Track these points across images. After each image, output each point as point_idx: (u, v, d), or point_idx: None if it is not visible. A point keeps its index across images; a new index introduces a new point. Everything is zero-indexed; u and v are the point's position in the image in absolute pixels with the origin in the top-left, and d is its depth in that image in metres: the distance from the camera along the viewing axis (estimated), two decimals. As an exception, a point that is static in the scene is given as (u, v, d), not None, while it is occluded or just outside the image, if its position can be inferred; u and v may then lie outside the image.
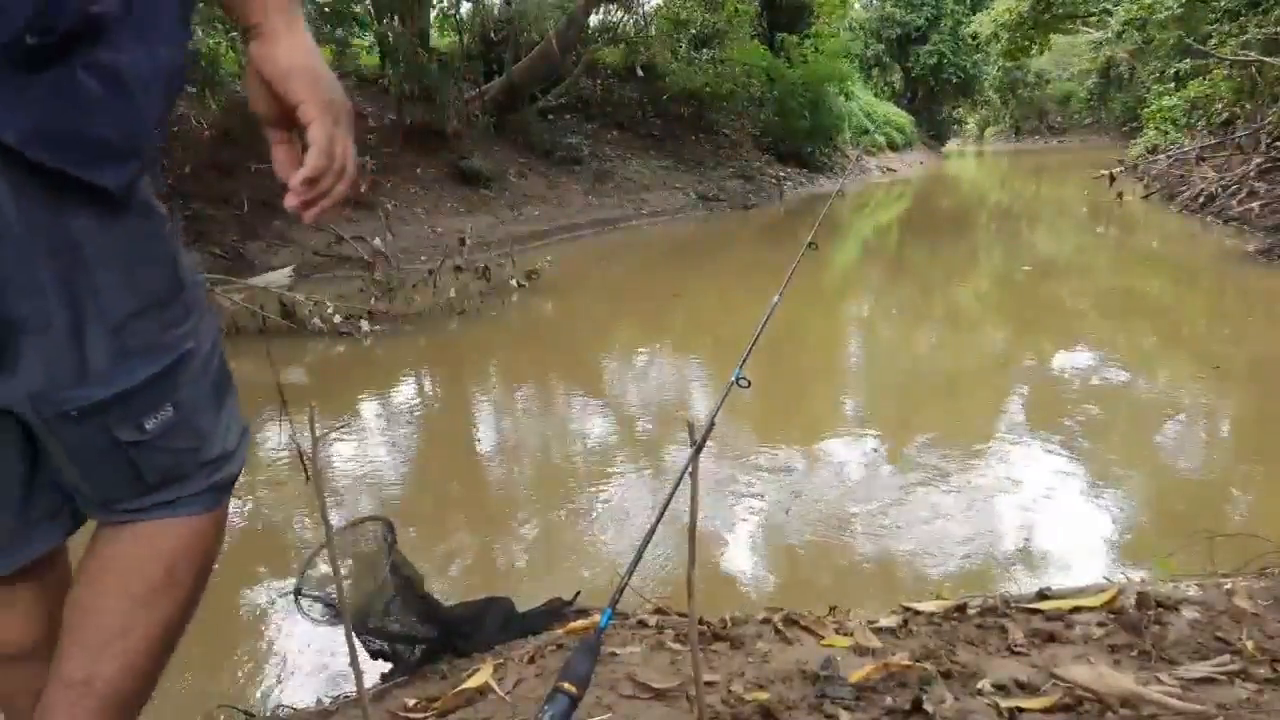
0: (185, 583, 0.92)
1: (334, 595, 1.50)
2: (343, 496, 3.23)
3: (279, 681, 2.10)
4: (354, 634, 1.59)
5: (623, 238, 11.30)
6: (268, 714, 1.74)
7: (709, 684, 1.31)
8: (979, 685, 1.25)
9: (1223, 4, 12.99)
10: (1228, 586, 1.53)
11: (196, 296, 0.90)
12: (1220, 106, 12.99)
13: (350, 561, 1.60)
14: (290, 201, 0.82)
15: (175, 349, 0.85)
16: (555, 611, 1.81)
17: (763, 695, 1.27)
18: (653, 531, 1.23)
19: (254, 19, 0.83)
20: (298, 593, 1.53)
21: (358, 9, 10.14)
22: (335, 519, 3.00)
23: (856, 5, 27.98)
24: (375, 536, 1.64)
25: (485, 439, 4.11)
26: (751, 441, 3.62)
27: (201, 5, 6.97)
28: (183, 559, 0.92)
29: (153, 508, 0.90)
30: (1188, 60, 14.99)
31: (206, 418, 0.91)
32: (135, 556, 0.90)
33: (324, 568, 1.56)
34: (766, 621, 1.57)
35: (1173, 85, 17.13)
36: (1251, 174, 10.33)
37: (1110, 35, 18.84)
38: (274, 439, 3.80)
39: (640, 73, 14.56)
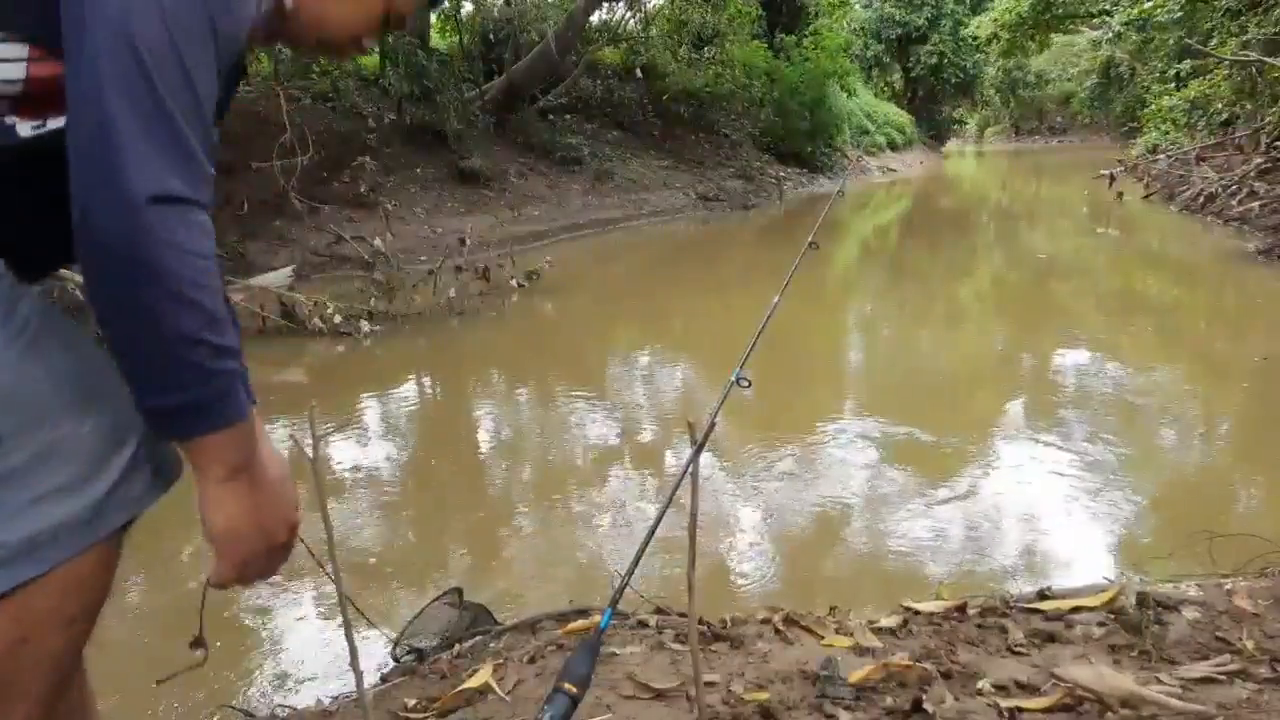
0: None
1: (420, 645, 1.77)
2: (343, 497, 3.23)
3: (279, 681, 2.10)
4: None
5: (623, 238, 11.29)
6: (268, 714, 1.74)
7: (709, 684, 1.31)
8: (979, 685, 1.25)
9: (1223, 4, 12.97)
10: (1228, 586, 1.53)
11: None
12: (1220, 106, 12.99)
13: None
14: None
15: None
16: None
17: (763, 695, 1.27)
18: (653, 531, 1.23)
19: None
20: (395, 644, 1.80)
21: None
22: (337, 520, 2.99)
23: (856, 6, 27.94)
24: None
25: (485, 439, 4.11)
26: (752, 441, 3.61)
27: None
28: None
29: None
30: (1188, 60, 14.99)
31: None
32: None
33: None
34: (766, 621, 1.57)
35: (1173, 85, 17.13)
36: (1251, 174, 10.34)
37: (1111, 35, 18.85)
38: (274, 438, 3.79)
39: (640, 74, 14.54)
